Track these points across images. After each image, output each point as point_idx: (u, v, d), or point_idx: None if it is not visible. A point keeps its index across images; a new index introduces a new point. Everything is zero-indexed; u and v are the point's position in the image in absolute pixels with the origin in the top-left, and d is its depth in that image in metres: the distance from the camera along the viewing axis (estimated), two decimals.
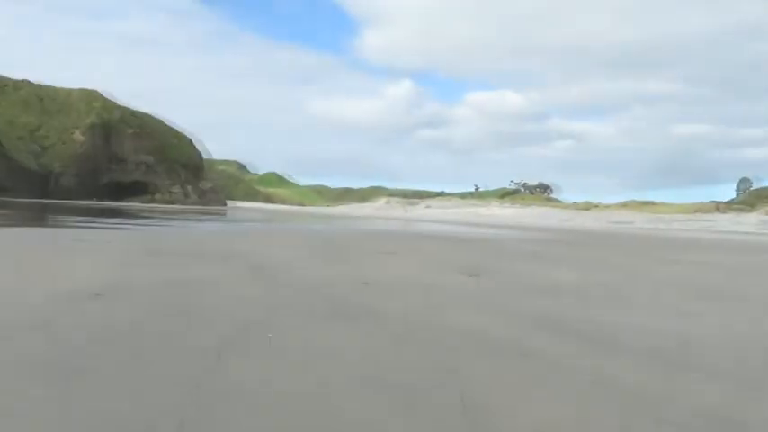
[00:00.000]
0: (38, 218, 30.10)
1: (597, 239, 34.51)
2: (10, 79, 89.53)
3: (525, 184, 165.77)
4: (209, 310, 6.44)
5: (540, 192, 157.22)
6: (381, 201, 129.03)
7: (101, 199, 76.80)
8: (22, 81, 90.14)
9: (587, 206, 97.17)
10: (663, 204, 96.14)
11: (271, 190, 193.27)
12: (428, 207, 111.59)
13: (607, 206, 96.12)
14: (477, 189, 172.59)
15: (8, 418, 3.21)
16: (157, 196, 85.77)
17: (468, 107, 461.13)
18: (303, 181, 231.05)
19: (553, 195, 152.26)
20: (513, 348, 5.33)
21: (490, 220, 72.31)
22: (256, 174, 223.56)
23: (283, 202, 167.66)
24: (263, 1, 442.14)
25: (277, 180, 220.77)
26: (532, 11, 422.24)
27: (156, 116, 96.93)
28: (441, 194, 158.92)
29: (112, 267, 9.46)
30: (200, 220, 36.61)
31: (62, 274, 8.51)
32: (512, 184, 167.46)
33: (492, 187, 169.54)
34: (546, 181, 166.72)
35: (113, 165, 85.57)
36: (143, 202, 78.62)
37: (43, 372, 3.94)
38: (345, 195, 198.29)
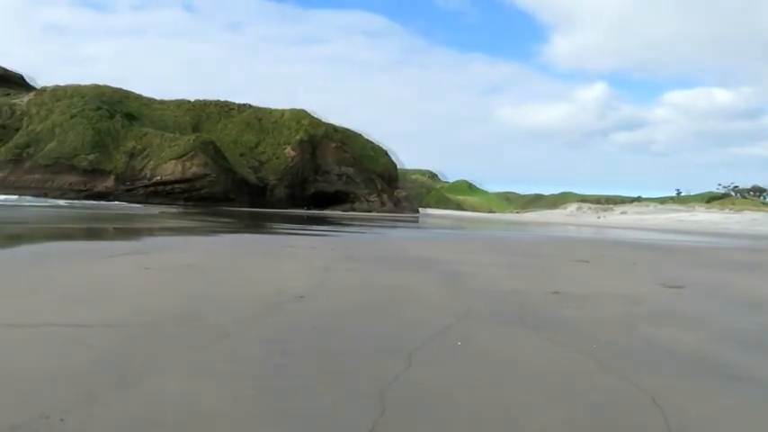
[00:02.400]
0: (255, 225, 33.93)
1: None
2: (235, 104, 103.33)
3: (736, 187, 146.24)
4: (403, 314, 6.79)
5: (755, 195, 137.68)
6: (572, 207, 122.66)
7: (308, 208, 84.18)
8: (244, 105, 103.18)
9: None
10: None
11: (461, 197, 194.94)
12: (623, 213, 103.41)
13: None
14: (678, 193, 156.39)
15: (223, 411, 3.72)
16: (356, 205, 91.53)
17: (668, 107, 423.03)
18: (492, 188, 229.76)
19: None
20: (720, 369, 4.90)
21: (693, 227, 65.14)
22: (447, 182, 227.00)
23: (473, 209, 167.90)
24: (452, 15, 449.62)
25: (467, 187, 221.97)
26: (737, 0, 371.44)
27: (355, 130, 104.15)
28: (637, 200, 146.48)
29: (315, 271, 10.32)
30: (394, 227, 38.32)
31: (271, 277, 9.46)
32: (720, 187, 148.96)
33: (696, 191, 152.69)
34: (761, 184, 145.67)
35: (318, 176, 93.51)
36: (344, 211, 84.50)
37: (249, 370, 4.42)
38: (535, 201, 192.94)
